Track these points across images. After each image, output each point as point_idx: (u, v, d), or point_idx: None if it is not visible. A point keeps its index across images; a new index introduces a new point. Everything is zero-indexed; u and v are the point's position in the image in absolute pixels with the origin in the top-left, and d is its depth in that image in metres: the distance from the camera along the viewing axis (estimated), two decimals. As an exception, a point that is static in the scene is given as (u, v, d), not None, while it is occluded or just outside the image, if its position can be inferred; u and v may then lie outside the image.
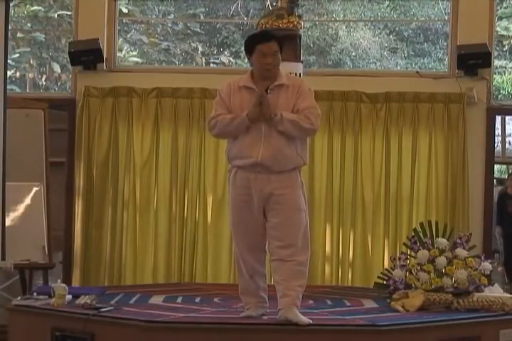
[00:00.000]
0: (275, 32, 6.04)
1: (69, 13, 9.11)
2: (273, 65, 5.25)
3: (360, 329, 5.22)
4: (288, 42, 5.57)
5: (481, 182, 8.14)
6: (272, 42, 5.27)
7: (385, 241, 7.99)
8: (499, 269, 9.45)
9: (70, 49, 8.20)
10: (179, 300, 6.30)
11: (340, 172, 8.07)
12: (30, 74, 9.90)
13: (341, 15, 9.78)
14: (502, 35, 9.79)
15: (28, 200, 7.37)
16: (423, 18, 9.72)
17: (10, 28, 6.93)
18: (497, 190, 10.60)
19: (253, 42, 5.30)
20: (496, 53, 8.55)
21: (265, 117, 5.19)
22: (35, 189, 7.41)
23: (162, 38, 9.74)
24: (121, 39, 9.02)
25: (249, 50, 5.31)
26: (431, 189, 8.02)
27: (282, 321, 5.21)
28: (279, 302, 5.27)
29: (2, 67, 6.53)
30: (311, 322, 5.19)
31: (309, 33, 9.41)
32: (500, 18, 9.76)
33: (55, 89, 9.96)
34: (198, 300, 6.33)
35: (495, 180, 9.84)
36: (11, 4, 6.81)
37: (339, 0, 9.45)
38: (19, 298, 6.08)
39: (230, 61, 9.80)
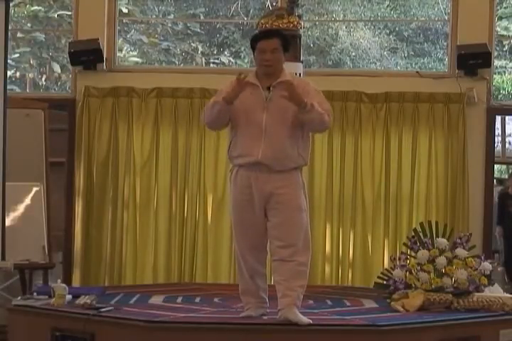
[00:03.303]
0: (281, 30, 6.06)
1: (69, 13, 9.11)
2: (272, 61, 5.26)
3: (360, 329, 5.22)
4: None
5: (481, 182, 8.14)
6: (272, 39, 5.30)
7: (385, 241, 7.99)
8: (499, 269, 9.45)
9: (70, 49, 8.20)
10: (179, 300, 6.30)
11: (340, 172, 8.07)
12: (30, 74, 9.91)
13: (341, 15, 9.78)
14: (502, 35, 9.79)
15: (28, 200, 7.37)
16: (423, 18, 9.72)
17: (10, 28, 6.93)
18: (497, 190, 10.61)
19: (254, 40, 5.35)
20: (496, 53, 8.55)
21: (295, 100, 5.11)
22: (35, 189, 7.41)
23: (162, 38, 9.75)
24: (121, 39, 9.01)
25: (252, 47, 5.37)
26: (431, 189, 8.03)
27: (282, 321, 5.21)
28: (279, 302, 5.27)
29: (2, 67, 6.53)
30: (311, 322, 5.19)
31: (309, 33, 9.41)
32: (500, 18, 9.77)
33: (55, 89, 9.96)
34: (198, 300, 6.33)
35: (495, 180, 9.84)
36: (11, 4, 6.81)
37: (339, 0, 9.45)
38: (19, 298, 6.08)
39: (230, 61, 9.80)
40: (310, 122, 5.23)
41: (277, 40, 5.31)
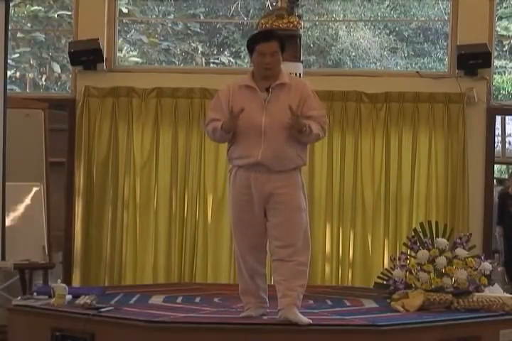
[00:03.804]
0: (277, 31, 6.06)
1: (69, 13, 9.11)
2: (272, 64, 5.26)
3: (360, 329, 5.22)
4: (288, 42, 5.56)
5: (481, 182, 8.14)
6: (272, 42, 5.28)
7: (385, 241, 7.99)
8: (499, 269, 9.45)
9: (70, 49, 8.21)
10: (179, 300, 6.30)
11: (340, 172, 8.07)
12: (30, 74, 9.91)
13: (341, 15, 9.78)
14: (502, 35, 9.79)
15: (28, 200, 7.37)
16: (423, 18, 9.72)
17: (10, 28, 6.93)
18: (497, 190, 10.61)
19: (253, 42, 5.32)
20: (496, 53, 8.55)
21: (297, 129, 5.18)
22: (35, 189, 7.41)
23: (162, 38, 9.75)
24: (121, 39, 9.01)
25: (250, 49, 5.34)
26: (431, 189, 8.03)
27: (282, 321, 5.21)
28: (279, 302, 5.26)
29: (2, 67, 6.53)
30: (311, 322, 5.19)
31: (309, 33, 9.41)
32: (500, 18, 9.77)
33: (55, 89, 9.96)
34: (198, 300, 6.33)
35: (495, 180, 9.84)
36: (11, 4, 6.81)
37: (339, 0, 9.46)
38: (19, 298, 6.07)
39: (230, 61, 9.80)
40: (307, 141, 5.38)
41: (276, 42, 5.30)
